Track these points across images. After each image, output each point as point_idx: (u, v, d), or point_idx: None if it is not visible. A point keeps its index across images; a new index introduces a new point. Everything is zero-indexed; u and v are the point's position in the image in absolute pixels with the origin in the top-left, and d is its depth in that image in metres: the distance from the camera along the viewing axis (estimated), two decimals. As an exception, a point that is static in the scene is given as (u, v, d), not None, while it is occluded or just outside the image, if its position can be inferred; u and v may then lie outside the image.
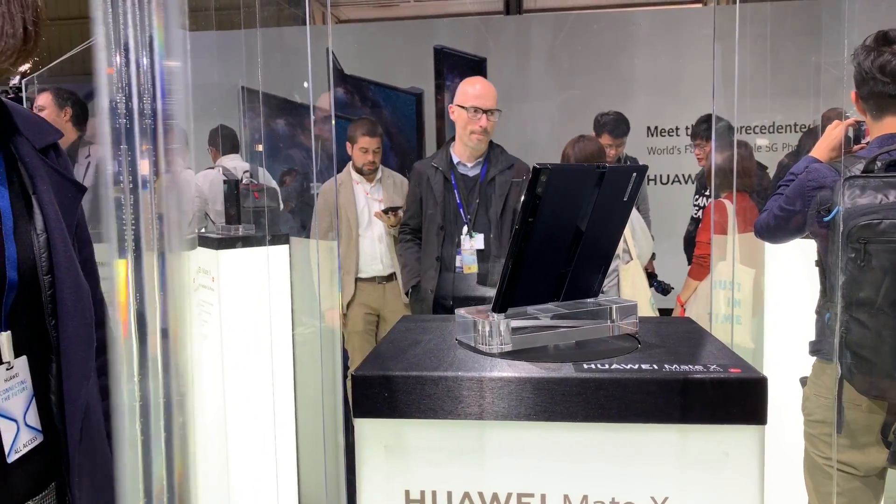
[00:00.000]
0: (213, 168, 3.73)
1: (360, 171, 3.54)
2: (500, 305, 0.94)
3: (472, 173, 2.88)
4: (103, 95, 0.83)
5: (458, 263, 2.85)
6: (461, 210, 2.86)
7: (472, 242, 2.83)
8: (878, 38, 1.67)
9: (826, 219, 1.63)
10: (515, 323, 0.95)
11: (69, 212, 0.96)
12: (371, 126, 3.54)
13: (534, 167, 0.85)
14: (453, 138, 2.93)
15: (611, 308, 1.02)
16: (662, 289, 4.35)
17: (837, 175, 1.66)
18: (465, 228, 2.84)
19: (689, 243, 4.07)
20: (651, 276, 4.34)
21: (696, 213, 4.00)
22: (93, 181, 2.78)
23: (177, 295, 1.07)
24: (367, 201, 3.53)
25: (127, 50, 1.01)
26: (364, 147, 3.48)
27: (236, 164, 3.63)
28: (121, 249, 1.04)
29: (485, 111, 2.75)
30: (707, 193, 3.92)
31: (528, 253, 0.91)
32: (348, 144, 3.58)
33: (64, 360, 0.89)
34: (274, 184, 3.53)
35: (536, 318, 0.98)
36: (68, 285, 0.90)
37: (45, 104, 3.30)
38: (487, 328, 0.93)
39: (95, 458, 0.94)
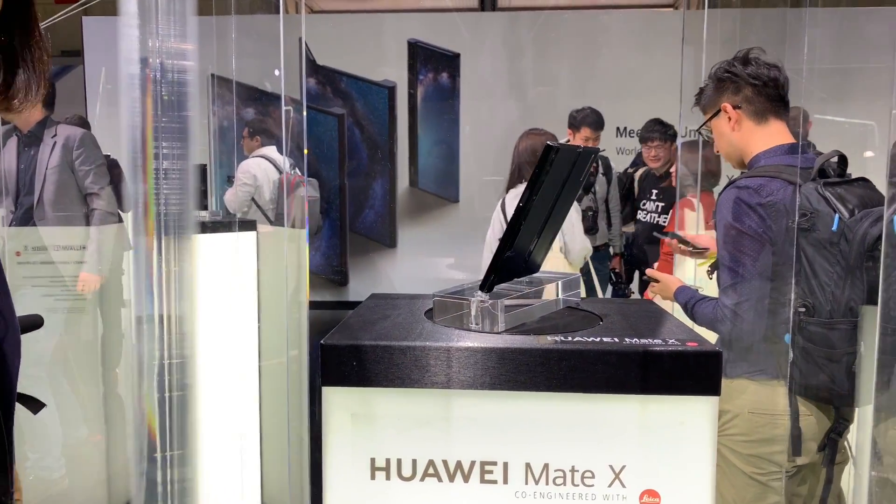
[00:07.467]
0: (260, 157, 3.62)
1: None
2: (489, 285, 0.95)
3: None
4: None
5: None
6: None
7: None
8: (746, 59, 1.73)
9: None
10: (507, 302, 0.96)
11: None
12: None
13: (547, 145, 0.87)
14: None
15: (569, 282, 1.05)
16: (622, 292, 4.40)
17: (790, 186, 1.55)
18: None
19: (635, 245, 4.13)
20: (617, 275, 4.40)
21: (644, 217, 4.02)
22: (58, 161, 2.73)
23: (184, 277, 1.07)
24: None
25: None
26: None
27: (276, 155, 3.54)
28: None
29: None
30: (653, 197, 3.98)
31: (522, 231, 0.93)
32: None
33: None
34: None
35: (512, 296, 1.00)
36: None
37: None
38: (482, 310, 0.94)
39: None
